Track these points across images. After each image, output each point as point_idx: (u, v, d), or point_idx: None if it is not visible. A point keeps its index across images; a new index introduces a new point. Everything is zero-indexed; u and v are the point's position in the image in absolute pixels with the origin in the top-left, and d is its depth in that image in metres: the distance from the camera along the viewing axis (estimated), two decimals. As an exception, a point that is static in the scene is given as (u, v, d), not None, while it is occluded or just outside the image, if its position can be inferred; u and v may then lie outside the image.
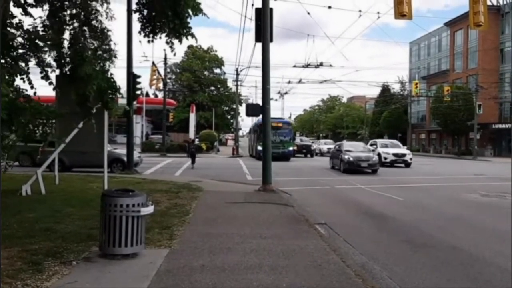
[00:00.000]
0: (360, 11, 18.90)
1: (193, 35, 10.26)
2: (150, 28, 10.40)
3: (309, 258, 6.45)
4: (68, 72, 10.02)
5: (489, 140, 57.58)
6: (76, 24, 10.41)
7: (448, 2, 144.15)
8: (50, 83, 9.73)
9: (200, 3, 9.90)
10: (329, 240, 7.89)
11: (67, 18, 10.34)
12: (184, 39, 10.24)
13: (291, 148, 35.42)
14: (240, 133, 71.68)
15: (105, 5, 10.72)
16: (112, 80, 10.29)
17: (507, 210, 12.03)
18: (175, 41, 10.32)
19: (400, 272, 6.43)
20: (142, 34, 10.56)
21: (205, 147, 45.45)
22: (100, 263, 5.92)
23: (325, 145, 52.92)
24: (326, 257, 6.55)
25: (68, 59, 9.87)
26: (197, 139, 41.68)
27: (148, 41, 10.68)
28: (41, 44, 9.61)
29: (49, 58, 9.99)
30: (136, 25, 11.08)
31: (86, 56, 9.57)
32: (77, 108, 10.49)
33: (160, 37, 10.60)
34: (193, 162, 27.48)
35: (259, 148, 28.60)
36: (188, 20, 10.01)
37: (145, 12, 10.34)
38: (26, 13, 9.68)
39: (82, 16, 10.40)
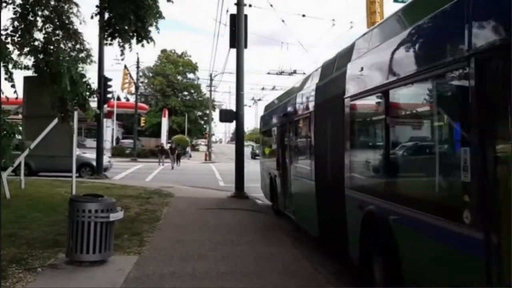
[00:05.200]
0: (333, 20, 19.08)
1: (151, 39, 10.02)
2: (110, 32, 10.09)
3: (281, 265, 6.43)
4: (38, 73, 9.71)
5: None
6: (47, 25, 10.07)
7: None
8: (13, 86, 9.33)
9: (161, 12, 9.78)
10: (302, 247, 7.88)
11: (38, 20, 9.99)
12: (145, 42, 9.98)
13: None
14: (213, 138, 71.42)
15: (75, 8, 10.42)
16: (87, 81, 10.04)
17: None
18: (138, 46, 10.04)
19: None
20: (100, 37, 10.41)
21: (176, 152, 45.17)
22: (67, 270, 5.76)
23: None
24: (298, 264, 6.54)
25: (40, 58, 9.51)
26: (169, 144, 41.25)
27: (106, 44, 10.47)
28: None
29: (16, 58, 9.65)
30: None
31: (60, 55, 9.28)
32: (47, 111, 10.18)
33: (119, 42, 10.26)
34: (177, 161, 33.59)
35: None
36: (152, 24, 9.81)
37: (106, 15, 10.08)
38: None
39: (55, 19, 10.08)
